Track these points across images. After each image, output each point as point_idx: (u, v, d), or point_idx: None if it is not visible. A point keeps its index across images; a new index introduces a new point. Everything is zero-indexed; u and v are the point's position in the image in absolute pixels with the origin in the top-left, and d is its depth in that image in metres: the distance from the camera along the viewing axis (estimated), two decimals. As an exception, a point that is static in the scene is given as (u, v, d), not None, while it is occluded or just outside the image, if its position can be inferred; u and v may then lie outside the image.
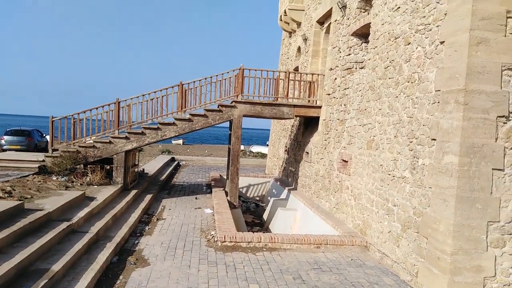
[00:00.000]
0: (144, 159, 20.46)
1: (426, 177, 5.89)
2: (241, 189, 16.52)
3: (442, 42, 5.78)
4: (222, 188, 12.78)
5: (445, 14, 5.76)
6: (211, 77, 11.49)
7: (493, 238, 5.26)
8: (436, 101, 5.79)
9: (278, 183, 15.25)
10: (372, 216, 7.63)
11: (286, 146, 15.92)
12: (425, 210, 5.84)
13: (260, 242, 7.51)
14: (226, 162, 15.78)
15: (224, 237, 7.48)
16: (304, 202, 11.49)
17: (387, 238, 6.99)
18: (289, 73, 12.00)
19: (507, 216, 5.28)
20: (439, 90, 5.73)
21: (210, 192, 12.81)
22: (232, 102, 11.58)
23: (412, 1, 6.80)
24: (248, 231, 9.40)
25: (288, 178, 15.00)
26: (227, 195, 11.73)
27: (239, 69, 11.54)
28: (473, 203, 5.21)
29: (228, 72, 11.63)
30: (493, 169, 5.22)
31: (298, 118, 13.97)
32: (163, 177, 15.55)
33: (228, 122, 12.00)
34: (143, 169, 15.18)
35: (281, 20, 16.81)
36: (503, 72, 5.25)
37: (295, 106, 11.70)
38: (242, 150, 32.02)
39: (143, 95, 11.13)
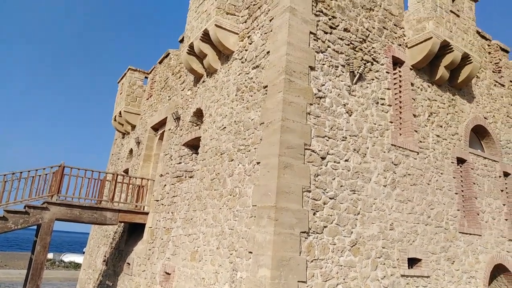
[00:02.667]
0: None
1: (243, 290, 5.98)
2: (40, 311, 13.35)
3: (258, 163, 6.56)
4: (12, 312, 10.07)
5: (261, 139, 6.69)
6: (20, 173, 9.86)
7: None
8: (253, 215, 6.28)
9: (91, 300, 13.05)
10: (192, 337, 7.10)
11: (105, 256, 14.18)
12: (242, 326, 5.78)
13: None
14: (24, 277, 12.80)
15: None
16: (119, 323, 9.98)
17: None
18: (117, 175, 11.41)
19: (312, 328, 5.68)
20: (256, 205, 6.27)
21: (-7, 319, 9.89)
22: (44, 203, 9.98)
23: (236, 124, 7.72)
24: None
25: (104, 293, 13.05)
26: (16, 322, 9.23)
27: (59, 166, 10.35)
28: (284, 317, 5.44)
29: (44, 169, 10.23)
30: (298, 281, 5.71)
31: (122, 224, 12.94)
32: None
33: (36, 226, 10.12)
34: None
35: (115, 120, 16.54)
36: (303, 193, 6.19)
37: (120, 211, 10.88)
38: (51, 259, 26.93)
39: None
